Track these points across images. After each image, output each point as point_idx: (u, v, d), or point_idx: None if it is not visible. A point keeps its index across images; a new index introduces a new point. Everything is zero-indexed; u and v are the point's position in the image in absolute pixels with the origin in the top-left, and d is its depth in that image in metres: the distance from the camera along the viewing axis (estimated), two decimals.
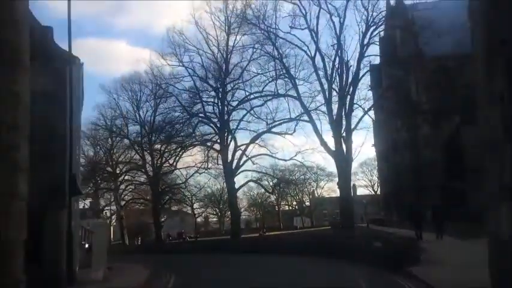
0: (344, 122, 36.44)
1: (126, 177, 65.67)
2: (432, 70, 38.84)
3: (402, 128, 42.74)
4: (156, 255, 37.13)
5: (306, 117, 39.69)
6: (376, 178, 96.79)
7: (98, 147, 59.04)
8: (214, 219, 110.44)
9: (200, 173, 53.71)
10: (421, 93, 41.35)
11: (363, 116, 37.92)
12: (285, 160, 43.87)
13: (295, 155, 44.06)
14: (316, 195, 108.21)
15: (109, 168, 60.82)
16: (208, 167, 48.33)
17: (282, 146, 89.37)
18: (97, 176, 62.95)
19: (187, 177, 55.45)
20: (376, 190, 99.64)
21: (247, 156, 43.02)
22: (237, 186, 43.45)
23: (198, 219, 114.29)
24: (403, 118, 40.55)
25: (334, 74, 37.07)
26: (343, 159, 35.03)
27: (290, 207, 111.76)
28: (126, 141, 58.03)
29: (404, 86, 40.17)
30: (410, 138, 42.80)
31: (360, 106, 37.61)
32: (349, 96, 36.28)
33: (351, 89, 36.71)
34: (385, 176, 58.44)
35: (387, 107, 41.70)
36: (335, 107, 36.77)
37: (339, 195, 40.98)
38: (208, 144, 45.27)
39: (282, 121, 42.48)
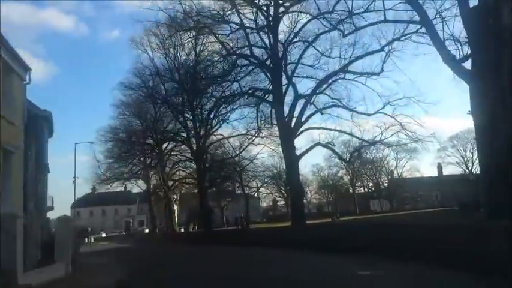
0: None
1: (173, 155, 53.96)
2: None
3: None
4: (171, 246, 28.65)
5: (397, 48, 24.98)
6: (471, 154, 79.12)
7: (141, 119, 47.09)
8: (282, 202, 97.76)
9: (253, 142, 40.30)
10: None
11: None
12: (368, 115, 29.02)
13: (383, 107, 29.14)
14: (396, 175, 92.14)
15: (150, 140, 49.26)
16: (260, 128, 34.75)
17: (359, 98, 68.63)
18: (139, 154, 51.79)
19: (237, 149, 42.23)
20: (471, 168, 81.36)
21: (315, 106, 28.88)
22: (299, 152, 29.67)
23: (265, 203, 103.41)
24: None
25: None
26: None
27: (366, 189, 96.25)
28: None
29: None
30: None
31: None
32: None
33: None
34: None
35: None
36: None
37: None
38: (259, 94, 31.59)
39: (363, 56, 27.80)
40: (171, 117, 46.09)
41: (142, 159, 53.87)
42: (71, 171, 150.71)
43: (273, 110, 30.37)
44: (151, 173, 56.61)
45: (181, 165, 54.56)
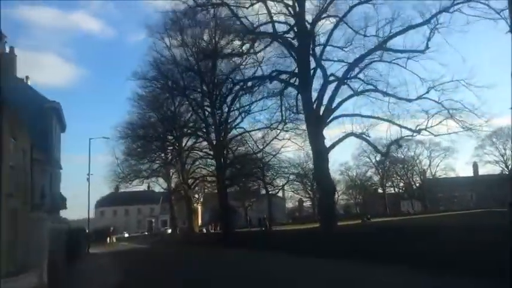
0: None
1: (193, 151, 50.66)
2: None
3: None
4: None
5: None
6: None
7: (159, 113, 43.76)
8: (308, 203, 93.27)
9: (277, 136, 36.36)
10: None
11: None
12: (409, 100, 24.48)
13: (427, 92, 24.70)
14: (430, 175, 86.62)
15: (169, 136, 46.01)
16: (285, 118, 30.77)
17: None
18: (158, 150, 48.78)
19: (260, 144, 38.35)
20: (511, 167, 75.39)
21: (350, 87, 24.64)
22: (329, 144, 25.35)
23: (290, 204, 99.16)
24: None
25: None
26: None
27: (396, 190, 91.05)
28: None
29: None
30: None
31: None
32: None
33: None
34: None
35: None
36: None
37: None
38: (284, 78, 27.53)
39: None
40: (190, 112, 42.74)
41: (162, 155, 50.76)
42: (92, 169, 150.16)
43: (300, 96, 26.27)
44: (172, 171, 53.55)
45: (202, 162, 51.16)
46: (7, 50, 31.13)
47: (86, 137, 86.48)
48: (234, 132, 39.04)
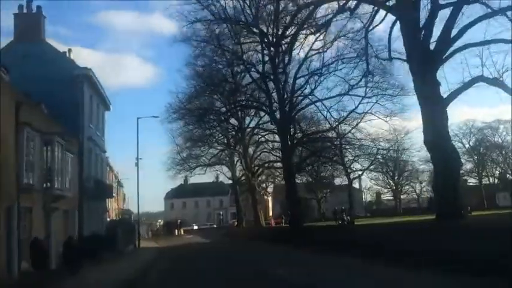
0: None
1: (254, 134, 43.63)
2: None
3: None
4: None
5: None
6: None
7: (218, 88, 36.57)
8: (388, 196, 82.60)
9: (356, 109, 27.85)
10: None
11: None
12: None
13: None
14: None
15: (232, 119, 39.02)
16: (370, 71, 22.16)
17: None
18: (219, 132, 42.14)
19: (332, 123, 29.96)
20: None
21: (485, 5, 15.00)
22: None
23: (369, 196, 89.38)
24: None
25: None
26: None
27: (492, 180, 77.62)
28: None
29: None
30: None
31: None
32: None
33: None
34: None
35: None
36: None
37: None
38: None
39: None
40: (252, 89, 34.95)
41: (223, 139, 43.98)
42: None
43: (398, 22, 17.09)
44: (236, 159, 46.64)
45: (267, 146, 43.66)
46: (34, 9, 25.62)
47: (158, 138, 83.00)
48: (303, 103, 30.88)
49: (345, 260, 14.05)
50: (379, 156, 41.70)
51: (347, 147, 33.19)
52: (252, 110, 37.02)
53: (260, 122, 39.91)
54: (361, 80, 25.79)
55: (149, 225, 71.84)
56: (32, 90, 18.34)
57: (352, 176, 50.85)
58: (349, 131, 30.22)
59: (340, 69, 28.01)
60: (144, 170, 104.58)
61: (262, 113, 36.28)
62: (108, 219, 30.94)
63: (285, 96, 29.53)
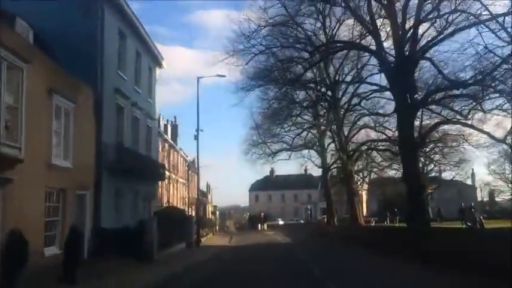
0: None
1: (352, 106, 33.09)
2: None
3: None
4: None
5: None
6: None
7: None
8: (507, 194, 66.37)
9: None
10: None
11: None
12: None
13: None
14: None
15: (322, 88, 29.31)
16: None
17: None
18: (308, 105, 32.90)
19: None
20: None
21: None
22: None
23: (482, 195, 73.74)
24: None
25: None
26: None
27: None
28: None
29: None
30: None
31: None
32: None
33: None
34: None
35: None
36: None
37: None
38: None
39: None
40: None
41: (310, 113, 34.34)
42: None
43: None
44: (328, 142, 36.35)
45: (369, 120, 33.05)
46: None
47: None
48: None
49: None
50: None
51: None
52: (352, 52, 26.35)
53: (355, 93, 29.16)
54: None
55: (231, 218, 65.73)
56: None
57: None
58: None
59: None
60: (228, 161, 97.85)
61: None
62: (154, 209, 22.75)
63: (405, 25, 18.54)
